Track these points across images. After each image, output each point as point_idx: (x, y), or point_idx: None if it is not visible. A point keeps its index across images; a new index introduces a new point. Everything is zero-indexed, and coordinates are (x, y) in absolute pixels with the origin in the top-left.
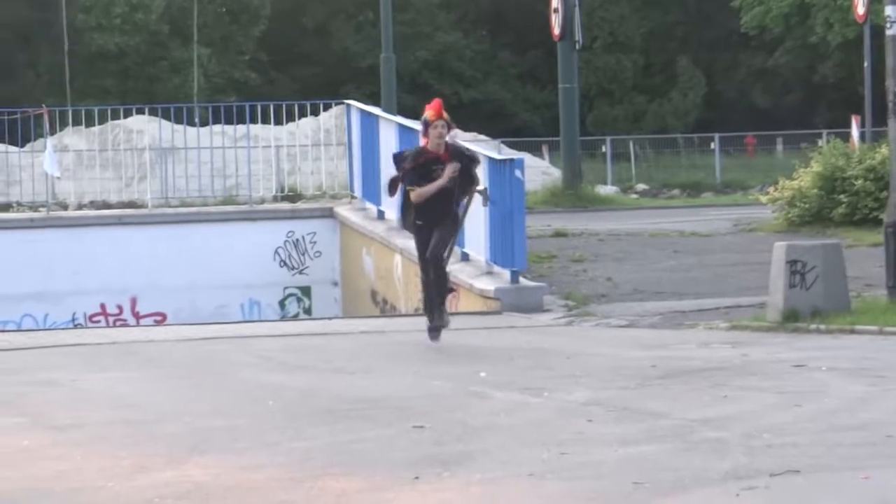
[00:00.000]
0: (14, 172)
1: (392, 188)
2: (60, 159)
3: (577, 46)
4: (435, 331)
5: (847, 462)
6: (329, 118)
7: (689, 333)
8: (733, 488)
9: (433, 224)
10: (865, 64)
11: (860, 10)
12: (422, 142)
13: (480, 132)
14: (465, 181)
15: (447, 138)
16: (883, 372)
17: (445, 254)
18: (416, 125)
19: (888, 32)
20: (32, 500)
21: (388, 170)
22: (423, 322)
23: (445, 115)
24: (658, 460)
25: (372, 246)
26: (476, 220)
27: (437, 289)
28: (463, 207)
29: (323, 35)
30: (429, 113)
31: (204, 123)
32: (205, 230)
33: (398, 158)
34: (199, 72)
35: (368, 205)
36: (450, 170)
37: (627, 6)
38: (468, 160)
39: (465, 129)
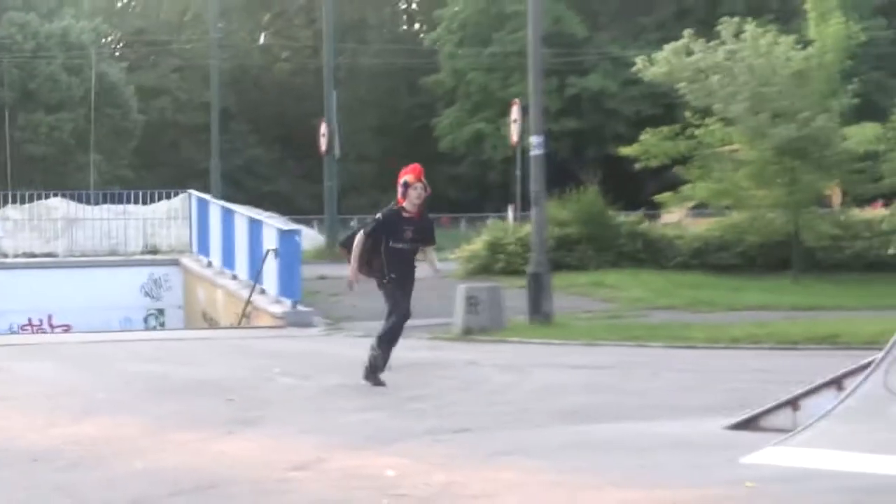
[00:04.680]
0: None
1: (361, 241)
2: (3, 225)
3: (336, 157)
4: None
5: (500, 424)
6: (178, 201)
7: (405, 342)
8: (429, 440)
9: (404, 278)
10: (517, 173)
11: (514, 138)
12: (399, 201)
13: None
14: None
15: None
16: (524, 368)
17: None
18: (232, 206)
19: (531, 153)
20: None
21: (228, 234)
22: (233, 332)
23: (423, 179)
24: (382, 422)
25: (203, 283)
26: (270, 267)
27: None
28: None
29: (175, 147)
30: (409, 176)
31: (97, 203)
32: (97, 272)
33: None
34: (94, 171)
35: (201, 257)
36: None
37: (369, 133)
38: (431, 235)
39: (266, 209)
